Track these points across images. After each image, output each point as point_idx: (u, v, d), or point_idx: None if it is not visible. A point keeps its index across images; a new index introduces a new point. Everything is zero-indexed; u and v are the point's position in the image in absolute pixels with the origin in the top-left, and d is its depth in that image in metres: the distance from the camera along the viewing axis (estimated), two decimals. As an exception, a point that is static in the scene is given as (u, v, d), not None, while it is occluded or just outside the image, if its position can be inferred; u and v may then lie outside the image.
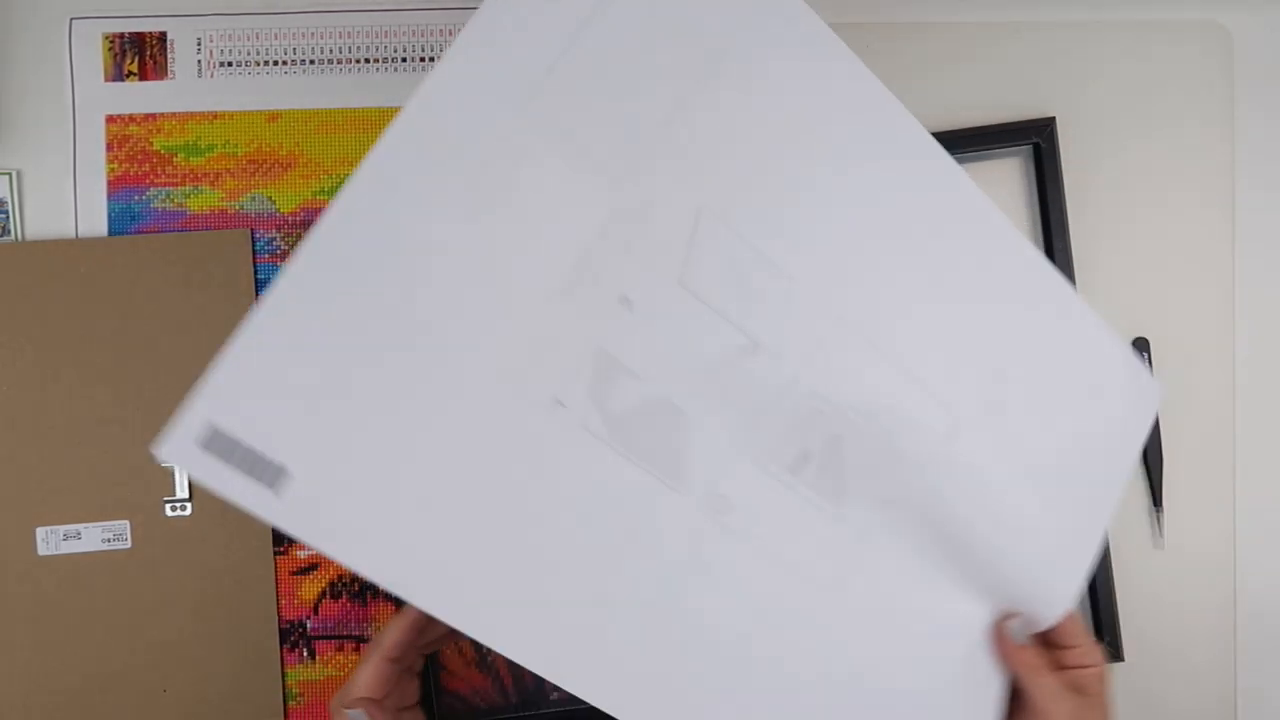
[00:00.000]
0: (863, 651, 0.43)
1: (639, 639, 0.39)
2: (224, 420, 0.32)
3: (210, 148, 0.58)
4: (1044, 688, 0.44)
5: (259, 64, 0.58)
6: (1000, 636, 0.45)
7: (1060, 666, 0.46)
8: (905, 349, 0.43)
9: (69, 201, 0.58)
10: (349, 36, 0.59)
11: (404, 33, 0.59)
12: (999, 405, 0.45)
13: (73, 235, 0.58)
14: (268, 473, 0.33)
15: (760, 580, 0.42)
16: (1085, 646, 0.46)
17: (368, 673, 0.43)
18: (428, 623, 0.44)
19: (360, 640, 0.58)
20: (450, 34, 0.59)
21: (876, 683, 0.44)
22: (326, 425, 0.34)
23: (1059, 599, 0.46)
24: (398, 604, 0.57)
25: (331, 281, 0.34)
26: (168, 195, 0.58)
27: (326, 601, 0.58)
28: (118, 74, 0.58)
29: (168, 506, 0.56)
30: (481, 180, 0.36)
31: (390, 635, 0.44)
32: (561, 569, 0.37)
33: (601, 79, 0.38)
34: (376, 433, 0.34)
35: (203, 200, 0.58)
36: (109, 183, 0.58)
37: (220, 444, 0.32)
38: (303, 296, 0.34)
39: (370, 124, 0.59)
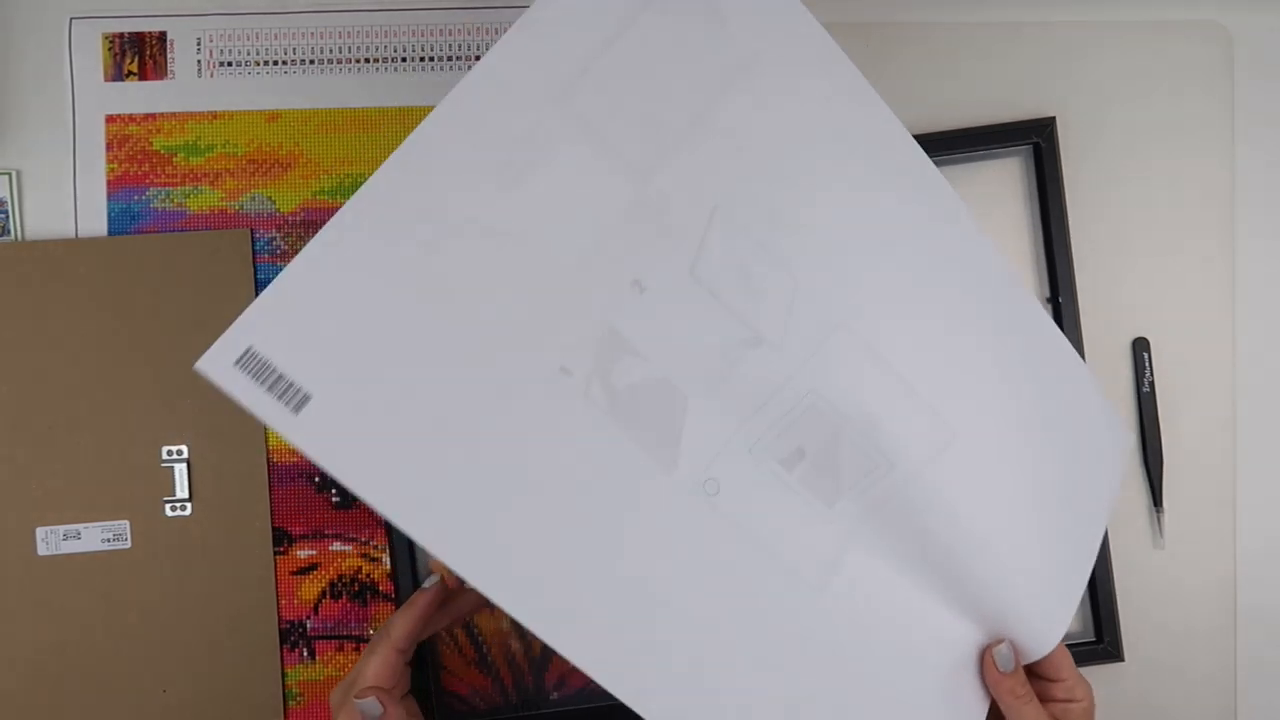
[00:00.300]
0: (840, 653, 0.44)
1: (620, 606, 0.40)
2: (260, 343, 0.35)
3: (210, 148, 0.58)
4: (1025, 717, 0.44)
5: (259, 64, 0.59)
6: (986, 661, 0.45)
7: (1047, 698, 0.46)
8: (903, 360, 0.44)
9: (69, 201, 0.58)
10: (349, 36, 0.59)
11: (404, 33, 0.59)
12: (988, 431, 0.46)
13: (73, 235, 0.58)
14: (293, 397, 0.36)
15: (744, 567, 0.42)
16: (1072, 680, 0.46)
17: (377, 663, 0.44)
18: (433, 613, 0.45)
19: (360, 640, 0.58)
20: (450, 33, 0.59)
21: (853, 686, 0.44)
22: (351, 362, 0.37)
23: (1048, 631, 0.46)
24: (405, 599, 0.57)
25: (370, 233, 0.37)
26: (167, 195, 0.58)
27: (326, 601, 0.58)
28: (117, 74, 0.58)
29: (168, 506, 0.56)
30: (514, 160, 0.39)
31: (399, 626, 0.44)
32: (551, 525, 0.39)
33: (632, 82, 0.40)
34: (395, 376, 0.37)
35: (202, 200, 0.58)
36: (109, 183, 0.58)
37: (254, 364, 0.35)
38: (344, 243, 0.37)
39: (370, 124, 0.59)
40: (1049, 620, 0.46)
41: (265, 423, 0.35)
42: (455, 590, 0.47)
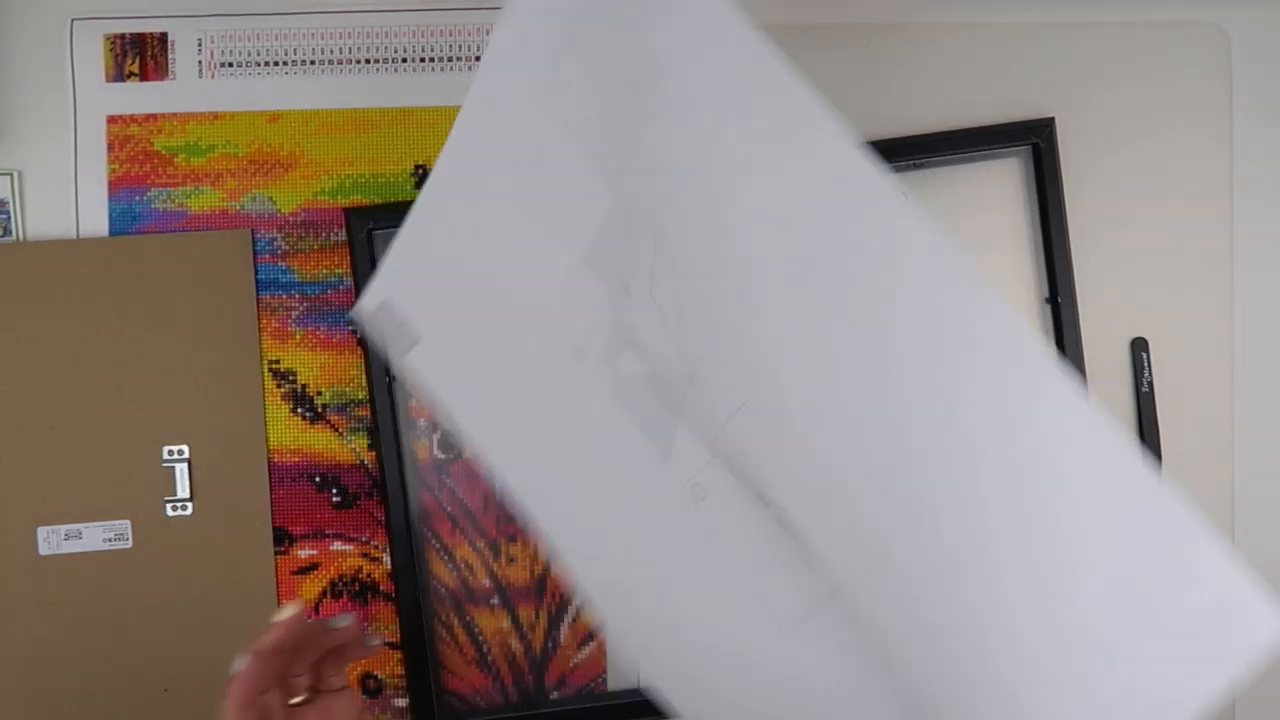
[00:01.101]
0: (799, 702, 0.41)
1: (610, 576, 0.44)
2: (392, 296, 0.48)
3: (211, 148, 0.58)
4: None
5: (259, 64, 0.59)
6: None
7: None
8: (838, 448, 0.38)
9: (70, 202, 0.58)
10: (349, 37, 0.59)
11: (404, 33, 0.59)
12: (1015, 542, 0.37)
13: (73, 235, 0.58)
14: (405, 339, 0.47)
15: (719, 582, 0.42)
16: None
17: None
18: (268, 665, 0.42)
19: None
20: (450, 34, 0.59)
21: None
22: (438, 321, 0.47)
23: None
24: (397, 604, 0.57)
25: (435, 226, 0.47)
26: (168, 196, 0.58)
27: (327, 601, 0.58)
28: (119, 74, 0.58)
29: (168, 506, 0.57)
30: (518, 166, 0.44)
31: (234, 696, 0.42)
32: (553, 477, 0.45)
33: (589, 84, 0.42)
34: (461, 338, 0.47)
35: (203, 200, 0.58)
36: (110, 183, 0.58)
37: (385, 312, 0.48)
38: (426, 227, 0.47)
39: (371, 124, 0.59)
40: None
41: (385, 355, 0.48)
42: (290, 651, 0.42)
